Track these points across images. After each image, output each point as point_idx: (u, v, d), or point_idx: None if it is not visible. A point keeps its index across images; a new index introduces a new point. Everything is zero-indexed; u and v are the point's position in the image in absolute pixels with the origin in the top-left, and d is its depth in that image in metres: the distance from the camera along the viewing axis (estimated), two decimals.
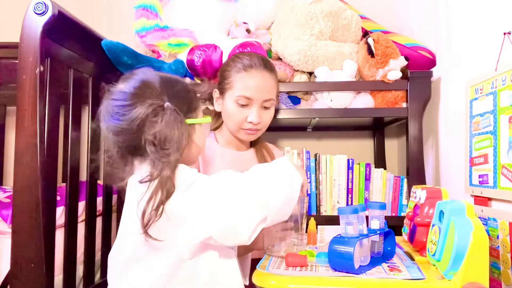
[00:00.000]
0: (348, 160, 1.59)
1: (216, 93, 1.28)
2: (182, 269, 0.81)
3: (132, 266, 0.83)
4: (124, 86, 0.84)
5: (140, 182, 0.80)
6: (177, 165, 0.81)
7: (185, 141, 0.82)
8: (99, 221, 1.38)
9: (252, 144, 1.37)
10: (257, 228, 0.80)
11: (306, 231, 1.13)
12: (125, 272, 0.84)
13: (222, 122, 1.32)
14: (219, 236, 0.78)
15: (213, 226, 0.78)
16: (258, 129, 1.25)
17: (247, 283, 1.08)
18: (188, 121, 0.85)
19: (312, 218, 1.15)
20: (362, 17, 1.65)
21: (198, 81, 1.51)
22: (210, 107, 1.33)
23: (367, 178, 1.59)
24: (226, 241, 0.80)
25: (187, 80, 1.51)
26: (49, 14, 1.01)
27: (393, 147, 1.98)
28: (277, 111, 1.50)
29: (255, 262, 1.29)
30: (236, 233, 0.79)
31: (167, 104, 0.82)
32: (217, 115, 1.32)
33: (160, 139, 0.80)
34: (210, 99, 1.32)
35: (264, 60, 1.25)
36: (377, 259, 0.93)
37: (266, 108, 1.24)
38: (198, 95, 0.92)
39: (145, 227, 0.76)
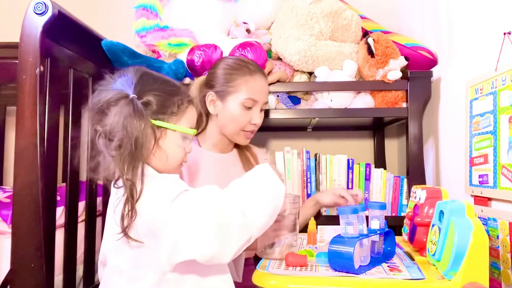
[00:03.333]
0: (348, 160, 1.59)
1: (211, 96, 1.25)
2: (165, 281, 0.79)
3: (115, 280, 0.83)
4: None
5: (114, 187, 0.81)
6: (137, 164, 0.78)
7: (143, 140, 0.79)
8: (99, 221, 1.38)
9: (235, 145, 1.36)
10: (240, 250, 0.77)
11: (304, 231, 1.13)
12: (110, 285, 0.84)
13: (205, 126, 1.30)
14: (201, 258, 0.75)
15: (197, 251, 0.74)
16: (255, 130, 1.28)
17: (240, 281, 1.08)
18: (156, 122, 0.83)
19: (312, 218, 1.15)
20: (362, 17, 1.65)
21: None
22: None
23: (367, 178, 1.59)
24: (208, 262, 0.76)
25: (187, 80, 1.52)
26: (49, 14, 1.01)
27: (393, 147, 1.98)
28: (277, 111, 1.50)
29: (250, 261, 1.29)
30: (219, 256, 0.75)
31: (132, 95, 0.81)
32: (199, 120, 1.29)
33: (108, 130, 0.79)
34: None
35: (258, 65, 1.31)
36: (377, 259, 0.93)
37: (262, 110, 1.28)
38: (186, 104, 0.88)
39: (125, 229, 0.76)
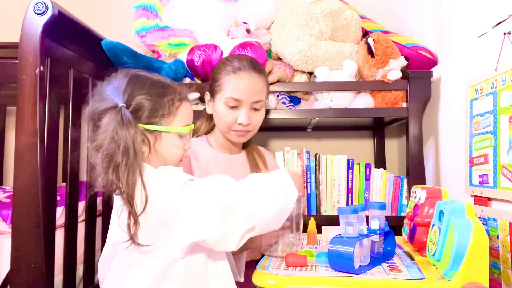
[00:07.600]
0: (348, 160, 1.59)
1: (207, 96, 1.27)
2: (174, 269, 0.81)
3: (128, 271, 0.83)
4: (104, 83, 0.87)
5: (115, 194, 0.81)
6: (130, 174, 0.78)
7: (134, 149, 0.79)
8: (99, 221, 1.38)
9: (244, 147, 1.36)
10: (243, 238, 0.80)
11: (304, 231, 1.13)
12: (121, 277, 0.84)
13: (214, 125, 1.30)
14: (211, 241, 0.78)
15: (207, 232, 0.77)
16: (248, 130, 1.23)
17: (242, 280, 1.08)
18: (148, 126, 0.82)
19: (312, 218, 1.15)
20: (362, 17, 1.65)
21: (198, 81, 1.51)
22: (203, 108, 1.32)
23: (367, 178, 1.59)
24: (215, 247, 0.79)
25: (187, 80, 1.52)
26: (49, 14, 1.01)
27: (393, 147, 1.98)
28: (277, 111, 1.50)
29: (252, 263, 1.29)
30: (226, 241, 0.79)
31: (121, 105, 0.81)
32: (209, 119, 1.31)
33: (99, 144, 0.79)
34: (203, 101, 1.33)
35: (253, 62, 1.25)
36: (377, 259, 0.93)
37: (256, 109, 1.23)
38: (177, 103, 0.88)
39: (132, 237, 0.77)
